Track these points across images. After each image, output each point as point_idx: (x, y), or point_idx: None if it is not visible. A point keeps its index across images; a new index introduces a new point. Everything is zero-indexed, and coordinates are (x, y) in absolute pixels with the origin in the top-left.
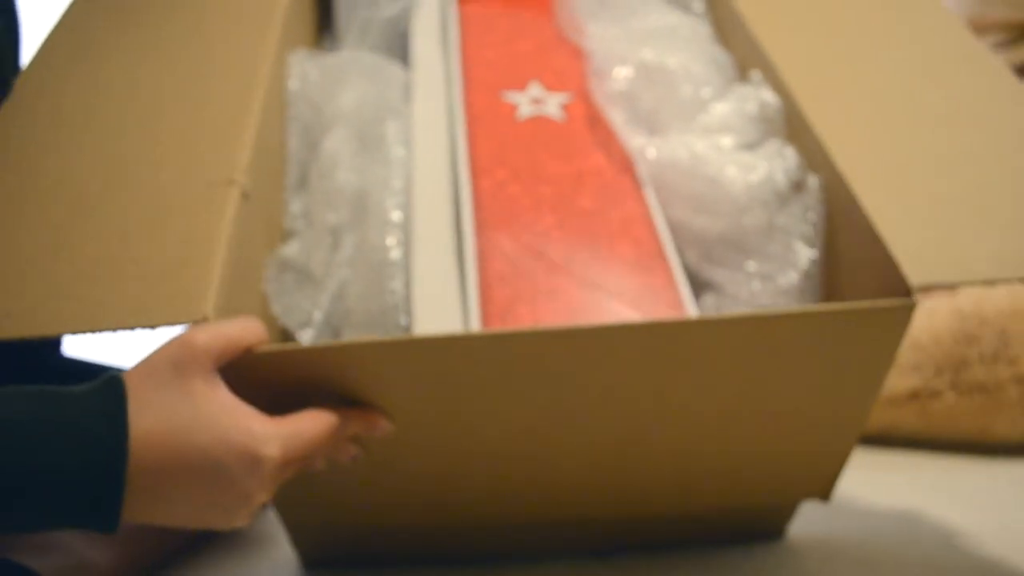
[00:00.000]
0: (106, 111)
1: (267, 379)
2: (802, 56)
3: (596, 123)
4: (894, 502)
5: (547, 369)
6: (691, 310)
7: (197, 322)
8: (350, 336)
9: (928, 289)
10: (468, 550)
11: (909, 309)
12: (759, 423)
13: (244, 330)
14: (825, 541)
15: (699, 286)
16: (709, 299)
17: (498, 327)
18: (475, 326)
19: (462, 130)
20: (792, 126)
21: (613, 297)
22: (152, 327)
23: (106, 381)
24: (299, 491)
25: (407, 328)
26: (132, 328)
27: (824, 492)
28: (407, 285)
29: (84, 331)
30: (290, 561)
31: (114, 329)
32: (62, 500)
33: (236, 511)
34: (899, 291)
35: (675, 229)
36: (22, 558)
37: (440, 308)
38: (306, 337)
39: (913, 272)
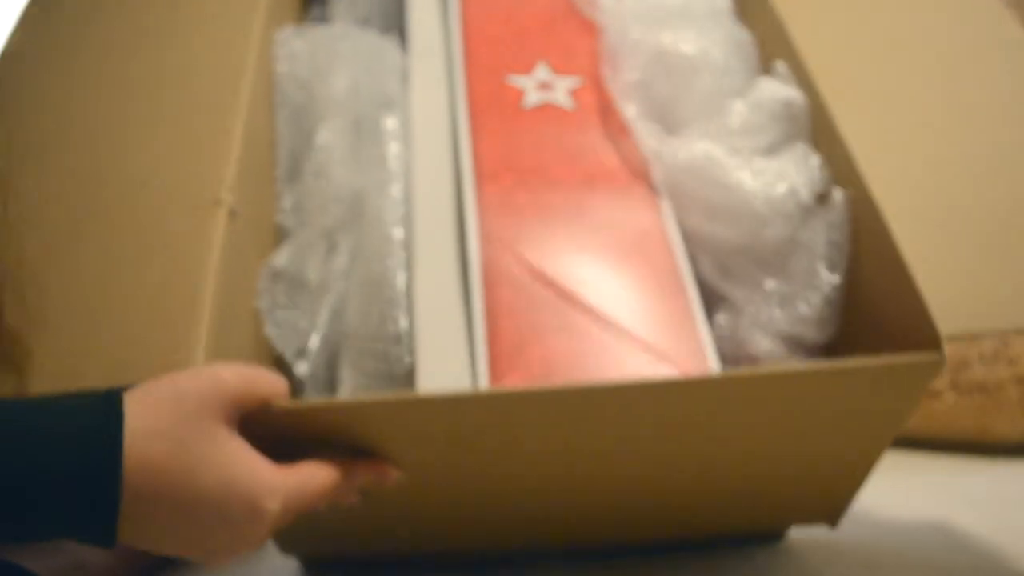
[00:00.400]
0: (85, 123)
1: (272, 428)
2: (831, 41)
3: (607, 114)
4: (894, 502)
5: (557, 425)
6: (708, 345)
7: None
8: (348, 370)
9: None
10: (468, 555)
11: (937, 364)
12: (774, 465)
13: (266, 383)
14: (825, 542)
15: (713, 298)
16: (724, 317)
17: (507, 373)
18: (483, 371)
19: (465, 126)
20: (817, 127)
21: (626, 334)
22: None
23: (105, 394)
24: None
25: (410, 367)
26: (123, 384)
27: (832, 520)
28: (409, 314)
29: (68, 388)
30: (290, 563)
31: (103, 384)
32: (57, 509)
33: (224, 554)
34: (926, 336)
35: (690, 236)
36: (20, 559)
37: (445, 348)
38: (301, 370)
39: (942, 316)
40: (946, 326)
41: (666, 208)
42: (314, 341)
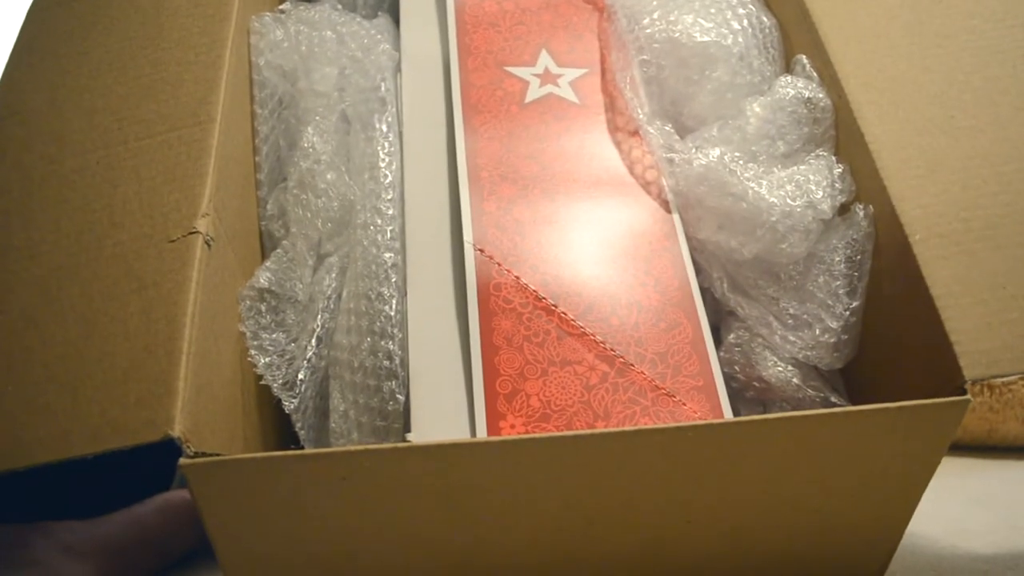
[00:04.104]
0: (70, 161)
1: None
2: (863, 30)
3: (614, 109)
4: None
5: (559, 474)
6: (717, 379)
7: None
8: (340, 400)
9: (984, 381)
10: None
11: (962, 406)
12: (795, 520)
13: None
14: None
15: (723, 312)
16: (735, 336)
17: (505, 413)
18: (480, 411)
19: (461, 130)
20: (842, 132)
21: (630, 369)
22: (120, 448)
23: None
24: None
25: (404, 404)
26: (100, 451)
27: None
28: (402, 347)
29: (49, 459)
30: None
31: (80, 455)
32: None
33: None
34: (950, 374)
35: (701, 248)
36: None
37: (440, 385)
38: (290, 406)
39: (967, 355)
40: (972, 369)
41: (677, 221)
42: (302, 374)
